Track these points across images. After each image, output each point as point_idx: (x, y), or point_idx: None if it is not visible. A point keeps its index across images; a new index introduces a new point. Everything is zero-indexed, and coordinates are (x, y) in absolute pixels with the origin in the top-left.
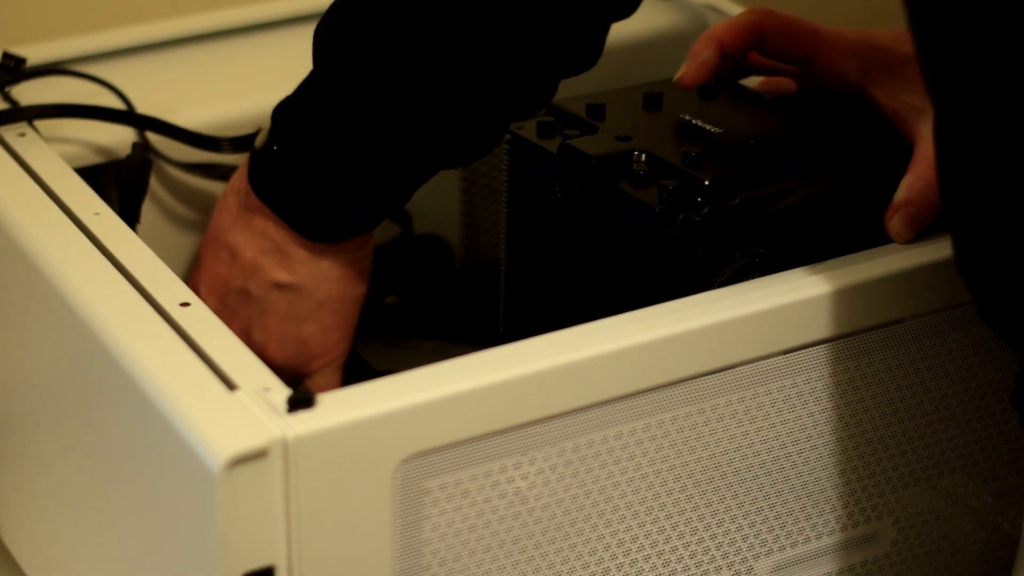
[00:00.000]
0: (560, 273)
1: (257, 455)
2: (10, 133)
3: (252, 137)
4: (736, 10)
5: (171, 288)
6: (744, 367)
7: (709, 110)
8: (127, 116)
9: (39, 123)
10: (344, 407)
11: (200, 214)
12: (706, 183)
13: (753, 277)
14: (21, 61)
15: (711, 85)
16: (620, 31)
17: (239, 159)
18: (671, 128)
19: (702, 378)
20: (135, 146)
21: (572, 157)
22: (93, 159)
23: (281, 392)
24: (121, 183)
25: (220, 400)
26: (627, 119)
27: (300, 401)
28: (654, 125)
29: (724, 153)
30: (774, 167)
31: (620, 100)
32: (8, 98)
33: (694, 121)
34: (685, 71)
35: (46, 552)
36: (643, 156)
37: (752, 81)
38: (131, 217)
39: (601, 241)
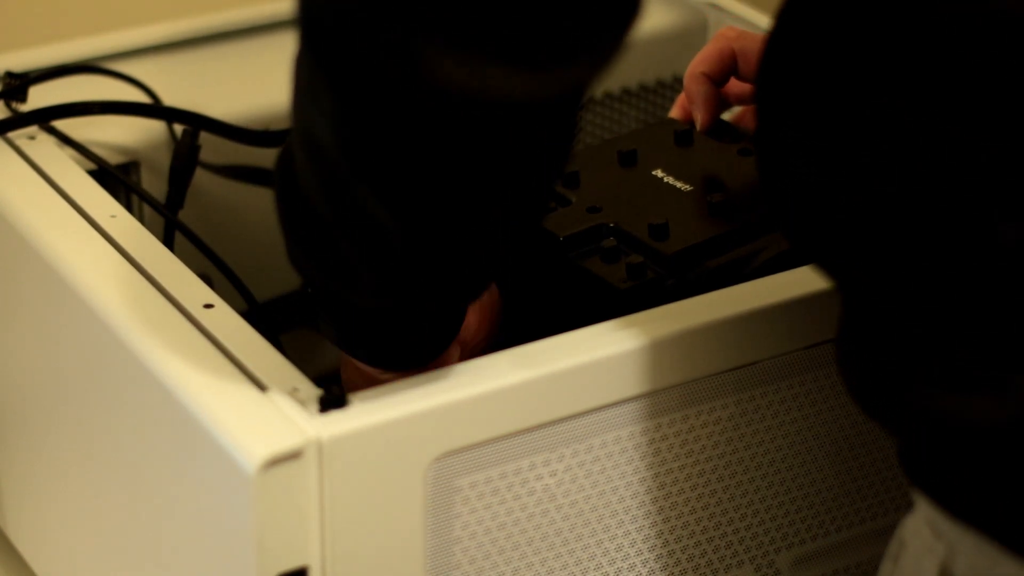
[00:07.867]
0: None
1: (292, 456)
2: (20, 136)
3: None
4: (739, 8)
5: (194, 290)
6: (767, 362)
7: (683, 161)
8: (164, 111)
9: (41, 126)
10: (376, 407)
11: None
12: (668, 255)
13: None
14: (24, 76)
15: (688, 131)
16: None
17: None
18: (643, 191)
19: (726, 374)
20: (184, 132)
21: (541, 237)
22: (115, 159)
23: (311, 392)
24: (170, 169)
25: (252, 401)
26: (601, 183)
27: (332, 401)
28: (627, 188)
29: (691, 217)
30: (743, 227)
31: (595, 160)
32: (12, 109)
33: (666, 179)
34: (699, 119)
35: (63, 557)
36: (612, 228)
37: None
38: (176, 203)
39: (572, 311)
